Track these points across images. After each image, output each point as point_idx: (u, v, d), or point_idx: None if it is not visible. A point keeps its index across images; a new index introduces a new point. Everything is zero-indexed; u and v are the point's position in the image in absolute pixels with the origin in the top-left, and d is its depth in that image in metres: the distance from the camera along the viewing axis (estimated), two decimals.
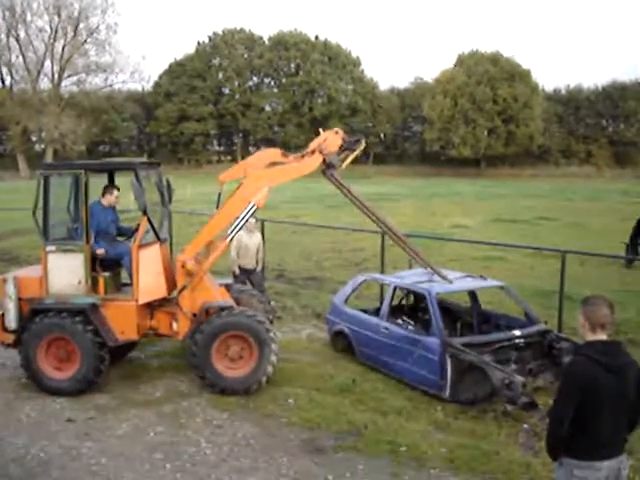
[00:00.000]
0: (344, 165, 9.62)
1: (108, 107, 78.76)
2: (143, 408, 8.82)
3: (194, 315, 9.39)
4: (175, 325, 9.63)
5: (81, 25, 77.71)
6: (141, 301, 9.42)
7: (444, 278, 10.07)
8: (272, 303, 13.66)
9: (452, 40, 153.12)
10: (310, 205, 34.17)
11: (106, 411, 8.75)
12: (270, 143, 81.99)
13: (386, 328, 9.99)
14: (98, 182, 10.32)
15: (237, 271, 13.37)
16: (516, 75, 79.92)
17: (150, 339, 10.56)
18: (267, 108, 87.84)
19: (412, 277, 10.76)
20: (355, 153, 9.75)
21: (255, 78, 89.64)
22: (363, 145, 9.82)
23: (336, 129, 9.74)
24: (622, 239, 19.77)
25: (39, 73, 76.91)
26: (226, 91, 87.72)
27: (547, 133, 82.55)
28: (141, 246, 9.41)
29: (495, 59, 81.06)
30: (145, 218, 9.39)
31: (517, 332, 9.29)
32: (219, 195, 9.71)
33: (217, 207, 9.74)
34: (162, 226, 10.23)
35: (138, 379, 9.96)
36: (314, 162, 9.43)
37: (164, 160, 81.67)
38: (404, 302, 11.47)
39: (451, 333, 9.98)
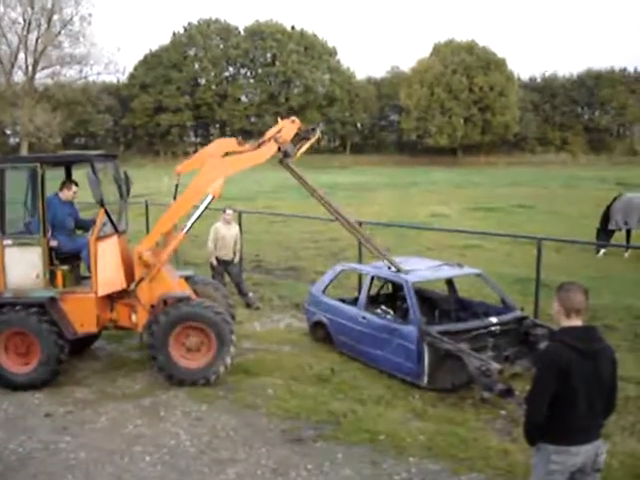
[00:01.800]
0: (299, 153, 9.61)
1: (83, 99, 77.85)
2: (122, 401, 8.79)
3: (152, 307, 9.37)
4: (134, 317, 9.61)
5: (55, 17, 76.61)
6: (100, 293, 9.37)
7: (398, 268, 10.10)
8: (250, 294, 13.67)
9: (428, 29, 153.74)
10: (287, 195, 34.08)
11: (85, 405, 8.71)
12: (247, 134, 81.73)
13: (364, 317, 10.02)
14: (59, 175, 10.25)
15: (215, 263, 13.36)
16: (492, 64, 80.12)
17: (130, 332, 10.50)
18: (244, 99, 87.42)
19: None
20: (310, 142, 9.72)
21: (231, 68, 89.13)
22: (318, 134, 9.81)
23: (293, 118, 9.71)
24: (597, 225, 19.95)
25: (13, 66, 75.85)
26: (202, 82, 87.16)
27: (523, 121, 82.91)
28: (99, 238, 9.37)
29: (471, 48, 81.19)
30: (102, 210, 9.35)
31: (494, 319, 9.35)
32: (176, 186, 9.72)
33: (174, 198, 9.71)
34: (121, 218, 10.17)
35: (117, 372, 9.93)
36: (269, 150, 9.40)
37: (141, 152, 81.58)
38: (382, 291, 11.50)
39: (429, 321, 10.02)
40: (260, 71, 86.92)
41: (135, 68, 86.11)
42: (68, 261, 9.74)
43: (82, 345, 10.37)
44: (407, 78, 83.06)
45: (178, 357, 9.22)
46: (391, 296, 11.38)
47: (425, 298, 10.77)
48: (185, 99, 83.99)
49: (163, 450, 7.41)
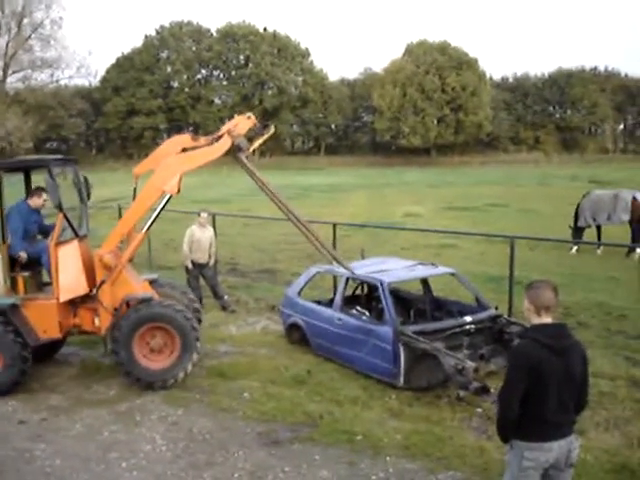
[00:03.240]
0: (252, 149, 9.56)
1: (55, 103, 77.25)
2: (97, 407, 8.72)
3: (115, 309, 9.31)
4: (97, 321, 9.54)
5: (25, 20, 76.06)
6: (62, 299, 9.29)
7: (348, 269, 10.15)
8: (226, 297, 13.63)
9: (400, 30, 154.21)
10: (262, 198, 33.99)
11: (59, 412, 8.62)
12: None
13: (340, 319, 10.02)
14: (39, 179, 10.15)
15: (190, 266, 13.31)
16: (464, 64, 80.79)
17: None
18: (217, 101, 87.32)
19: (365, 267, 10.81)
20: (263, 137, 9.68)
21: (204, 71, 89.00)
22: (272, 131, 9.77)
23: (248, 114, 9.63)
24: (569, 223, 20.15)
25: None
26: (175, 84, 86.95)
27: (495, 121, 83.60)
28: (59, 243, 9.29)
29: (443, 48, 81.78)
30: (61, 215, 9.29)
31: (468, 318, 9.40)
32: (134, 190, 9.64)
33: (134, 199, 9.67)
34: (82, 222, 10.09)
35: (91, 378, 9.84)
36: (223, 145, 9.32)
37: (113, 156, 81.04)
38: (357, 292, 11.52)
39: (404, 321, 10.06)
40: (233, 73, 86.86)
41: (107, 71, 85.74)
42: (29, 267, 9.64)
43: (47, 351, 10.27)
44: (380, 79, 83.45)
45: (142, 359, 9.17)
46: (366, 297, 11.40)
47: (400, 298, 10.81)
48: (158, 102, 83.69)
49: (139, 455, 7.36)
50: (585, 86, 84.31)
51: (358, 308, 10.65)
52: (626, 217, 19.31)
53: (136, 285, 9.62)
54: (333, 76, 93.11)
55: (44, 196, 9.91)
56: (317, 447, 7.43)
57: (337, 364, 9.98)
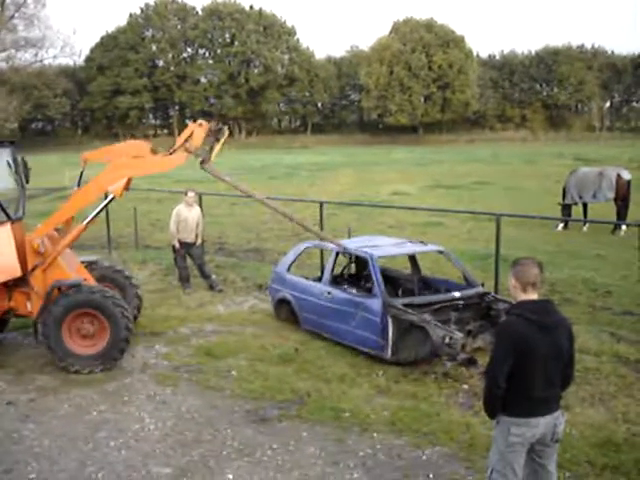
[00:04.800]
0: (213, 156, 9.52)
1: (39, 83, 76.52)
2: (85, 387, 8.70)
3: (47, 294, 9.28)
4: (29, 305, 9.53)
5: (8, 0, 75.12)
6: None
7: (340, 245, 10.31)
8: (213, 277, 13.63)
9: (387, 8, 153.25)
10: (250, 177, 33.97)
11: (47, 392, 8.61)
12: (207, 115, 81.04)
13: (329, 292, 10.05)
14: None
15: (177, 245, 13.28)
16: (450, 42, 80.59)
17: None
18: (203, 80, 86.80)
19: (353, 244, 10.85)
20: (220, 142, 9.60)
21: (189, 49, 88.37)
22: (226, 133, 9.69)
23: (200, 121, 9.51)
24: (558, 201, 20.24)
25: None
26: (160, 63, 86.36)
27: (482, 99, 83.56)
28: None
29: (429, 26, 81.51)
30: None
31: (456, 294, 9.46)
32: (81, 173, 9.63)
33: (78, 185, 9.64)
34: (18, 205, 9.97)
35: None
36: (178, 159, 9.29)
37: (99, 136, 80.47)
38: (345, 271, 11.54)
39: (393, 298, 10.13)
40: (219, 51, 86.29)
41: (91, 50, 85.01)
42: None
43: None
44: (366, 57, 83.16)
45: (72, 344, 9.15)
46: (355, 275, 11.43)
47: (389, 277, 10.85)
48: (143, 81, 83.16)
49: (127, 434, 7.37)
50: (572, 64, 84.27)
51: (346, 285, 10.68)
52: (611, 195, 19.43)
53: (69, 271, 9.57)
54: (320, 54, 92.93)
55: None
56: (305, 424, 7.47)
57: (325, 342, 10.02)
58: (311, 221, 18.37)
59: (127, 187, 9.49)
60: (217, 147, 9.51)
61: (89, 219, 9.54)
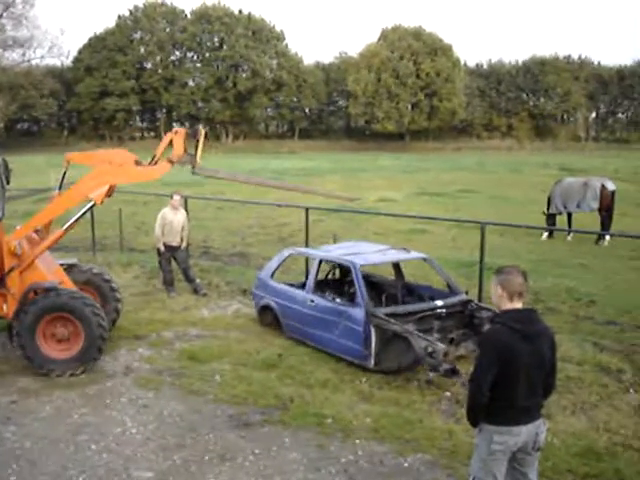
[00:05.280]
0: (198, 159, 9.52)
1: (26, 83, 76.07)
2: (67, 390, 8.66)
3: (23, 296, 9.26)
4: (5, 306, 9.48)
5: None
6: None
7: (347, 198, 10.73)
8: (197, 281, 13.60)
9: (376, 15, 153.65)
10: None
11: (28, 394, 8.56)
12: (194, 119, 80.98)
13: (312, 300, 10.05)
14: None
15: (162, 248, 13.25)
16: (438, 50, 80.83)
17: None
18: (190, 83, 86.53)
19: (337, 250, 10.87)
20: (201, 143, 9.62)
21: (178, 52, 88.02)
22: (202, 132, 9.69)
23: (175, 129, 9.52)
24: (543, 210, 20.36)
25: None
26: (148, 66, 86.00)
27: (469, 107, 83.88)
28: None
29: (418, 34, 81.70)
30: None
31: (439, 302, 9.48)
32: (64, 174, 9.63)
33: (60, 187, 9.63)
34: None
35: None
36: (162, 169, 9.30)
37: (86, 137, 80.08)
38: (330, 276, 11.55)
39: (376, 305, 10.12)
40: (207, 55, 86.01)
41: (80, 51, 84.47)
42: None
43: None
44: (355, 63, 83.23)
45: (48, 350, 9.13)
46: (338, 281, 11.44)
47: (372, 283, 10.87)
48: (131, 83, 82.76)
49: (109, 438, 7.34)
50: (558, 74, 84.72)
51: (330, 293, 10.69)
52: (595, 205, 19.56)
53: (46, 273, 9.54)
54: (308, 60, 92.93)
55: None
56: (287, 430, 7.46)
57: (308, 348, 10.02)
58: (296, 227, 18.43)
59: (109, 194, 9.48)
60: (199, 149, 9.53)
61: (68, 224, 9.51)
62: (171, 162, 9.22)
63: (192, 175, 9.68)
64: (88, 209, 9.51)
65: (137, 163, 9.46)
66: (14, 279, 9.34)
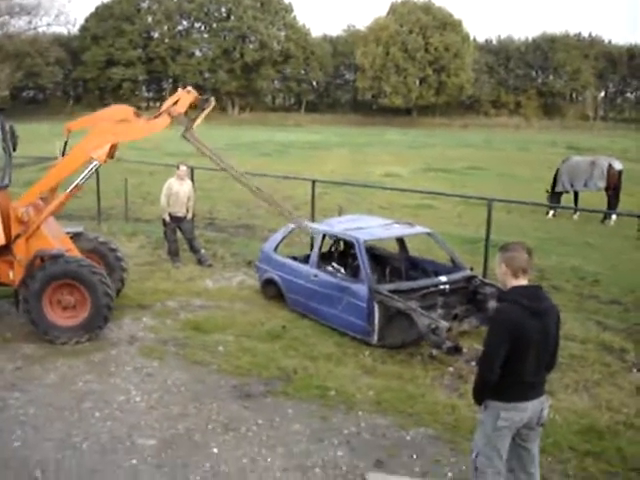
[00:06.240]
0: (195, 125, 9.48)
1: (32, 51, 75.66)
2: (71, 357, 8.70)
3: (30, 263, 9.27)
4: (11, 273, 9.52)
5: None
6: None
7: (306, 229, 10.53)
8: (202, 251, 13.61)
9: None
10: (243, 153, 33.87)
11: (33, 361, 8.60)
12: (200, 89, 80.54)
13: (315, 275, 10.05)
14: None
15: (167, 219, 13.24)
16: (448, 24, 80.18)
17: None
18: (197, 53, 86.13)
19: (341, 224, 10.84)
20: (205, 112, 9.57)
21: (185, 22, 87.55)
22: (212, 104, 9.65)
23: (188, 88, 9.48)
24: (547, 188, 20.29)
25: None
26: (155, 35, 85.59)
27: (477, 83, 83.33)
28: None
29: (427, 8, 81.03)
30: None
31: (443, 278, 9.46)
32: (65, 143, 9.56)
33: (62, 155, 9.59)
34: (4, 173, 9.89)
35: None
36: (162, 123, 9.20)
37: (91, 106, 79.58)
38: (334, 249, 11.54)
39: (380, 279, 10.13)
40: (215, 26, 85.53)
41: (86, 20, 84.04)
42: None
43: None
44: (363, 37, 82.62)
45: (52, 314, 9.17)
46: (342, 253, 11.43)
47: (376, 256, 10.86)
48: (137, 52, 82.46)
49: (113, 406, 7.38)
50: (568, 52, 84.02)
51: (334, 264, 10.67)
52: (602, 184, 19.48)
53: (53, 241, 9.54)
54: (316, 32, 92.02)
55: None
56: (290, 401, 7.50)
57: (312, 320, 10.03)
58: (302, 199, 18.38)
59: (112, 154, 9.46)
60: (201, 116, 9.49)
61: (72, 187, 9.44)
62: (171, 116, 9.15)
63: (182, 137, 9.57)
64: (92, 170, 9.38)
65: (136, 115, 9.41)
66: (21, 246, 9.35)
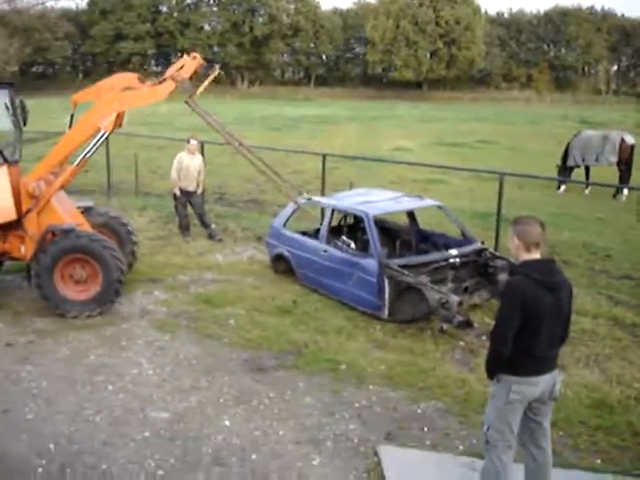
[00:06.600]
0: (199, 92, 9.44)
1: (41, 26, 75.36)
2: (83, 331, 8.75)
3: (41, 238, 9.31)
4: (23, 248, 9.57)
5: None
6: None
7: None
8: (213, 226, 13.62)
9: None
10: (252, 127, 33.72)
11: (45, 335, 8.66)
12: (209, 63, 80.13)
13: (325, 250, 10.04)
14: None
15: (178, 193, 13.24)
16: None
17: None
18: (206, 27, 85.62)
19: (349, 198, 10.81)
20: (209, 79, 9.52)
21: None
22: (217, 71, 9.63)
23: (194, 54, 9.46)
24: (557, 162, 20.18)
25: None
26: (163, 9, 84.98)
27: (488, 57, 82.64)
28: None
29: None
30: None
31: (453, 251, 9.44)
32: (72, 116, 9.55)
33: (69, 128, 9.57)
34: (14, 148, 9.92)
35: None
36: (167, 89, 9.18)
37: (100, 80, 79.57)
38: (344, 222, 11.52)
39: (390, 252, 10.13)
40: None
41: None
42: None
43: None
44: (373, 10, 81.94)
45: (64, 288, 9.22)
46: (352, 227, 11.42)
47: (386, 229, 10.84)
48: (146, 27, 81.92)
49: (125, 379, 7.43)
50: (580, 25, 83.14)
51: (344, 238, 10.65)
52: (614, 159, 19.36)
53: (64, 215, 9.57)
54: (326, 5, 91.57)
55: None
56: (301, 375, 7.53)
57: (323, 295, 10.05)
58: (313, 174, 18.33)
59: (120, 123, 9.47)
60: (205, 83, 9.48)
61: (80, 158, 9.46)
62: (175, 81, 9.12)
63: (185, 103, 9.55)
64: (99, 140, 9.35)
65: (141, 81, 9.43)
66: (32, 221, 9.39)
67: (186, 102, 9.45)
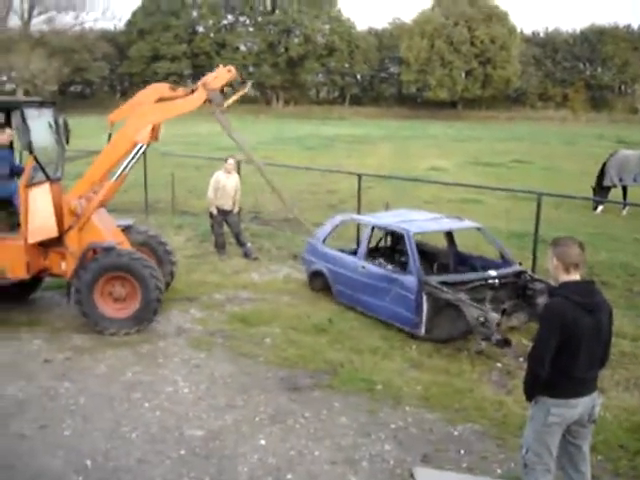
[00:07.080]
0: (226, 104, 9.48)
1: (79, 46, 76.71)
2: (120, 348, 8.83)
3: (82, 255, 9.40)
4: (63, 265, 9.67)
5: None
6: (30, 240, 9.34)
7: (308, 231, 10.80)
8: (248, 245, 13.68)
9: None
10: (287, 146, 33.94)
11: (83, 351, 8.75)
12: (244, 83, 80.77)
13: (364, 267, 10.04)
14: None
15: (214, 212, 13.35)
16: (494, 16, 79.17)
17: None
18: (242, 47, 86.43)
19: (389, 218, 10.81)
20: (238, 94, 9.62)
21: (230, 16, 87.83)
22: (247, 88, 9.70)
23: (229, 67, 9.51)
24: (592, 184, 19.98)
25: (8, 11, 74.54)
26: (200, 30, 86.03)
27: (524, 76, 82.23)
28: (30, 185, 9.32)
29: (473, 0, 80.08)
30: (31, 157, 9.28)
31: (492, 272, 9.38)
32: (109, 135, 9.64)
33: None
34: (57, 166, 10.06)
35: None
36: (199, 98, 9.29)
37: None
38: (381, 244, 11.52)
39: (427, 273, 10.07)
40: (260, 19, 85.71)
41: (133, 14, 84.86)
42: (2, 207, 9.73)
43: (22, 292, 10.43)
44: (408, 30, 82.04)
45: (103, 306, 9.30)
46: (389, 249, 11.40)
47: (424, 252, 10.80)
48: (183, 47, 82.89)
49: (162, 396, 7.47)
50: (617, 44, 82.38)
51: (381, 260, 10.65)
52: None
53: (105, 233, 9.67)
54: (361, 25, 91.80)
55: (7, 132, 9.89)
56: (337, 394, 7.51)
57: (358, 313, 10.04)
58: (347, 193, 18.35)
59: (156, 136, 9.57)
60: (233, 97, 9.58)
61: (119, 173, 9.58)
62: (206, 89, 9.22)
63: (210, 113, 9.58)
64: (137, 153, 9.46)
65: (172, 89, 9.52)
66: (73, 238, 9.51)
67: (212, 112, 9.46)
